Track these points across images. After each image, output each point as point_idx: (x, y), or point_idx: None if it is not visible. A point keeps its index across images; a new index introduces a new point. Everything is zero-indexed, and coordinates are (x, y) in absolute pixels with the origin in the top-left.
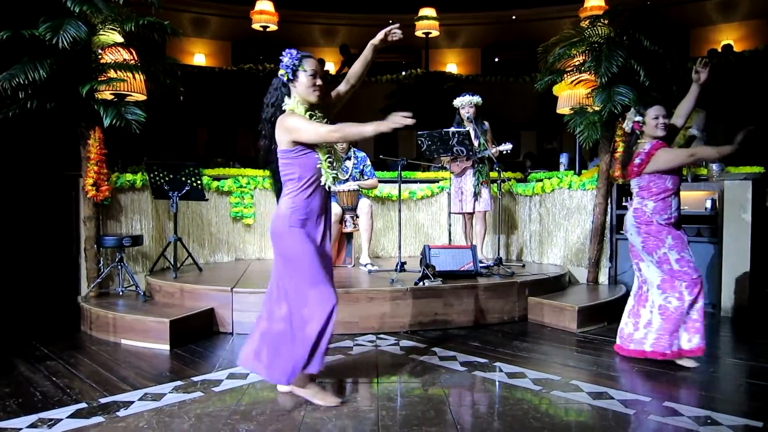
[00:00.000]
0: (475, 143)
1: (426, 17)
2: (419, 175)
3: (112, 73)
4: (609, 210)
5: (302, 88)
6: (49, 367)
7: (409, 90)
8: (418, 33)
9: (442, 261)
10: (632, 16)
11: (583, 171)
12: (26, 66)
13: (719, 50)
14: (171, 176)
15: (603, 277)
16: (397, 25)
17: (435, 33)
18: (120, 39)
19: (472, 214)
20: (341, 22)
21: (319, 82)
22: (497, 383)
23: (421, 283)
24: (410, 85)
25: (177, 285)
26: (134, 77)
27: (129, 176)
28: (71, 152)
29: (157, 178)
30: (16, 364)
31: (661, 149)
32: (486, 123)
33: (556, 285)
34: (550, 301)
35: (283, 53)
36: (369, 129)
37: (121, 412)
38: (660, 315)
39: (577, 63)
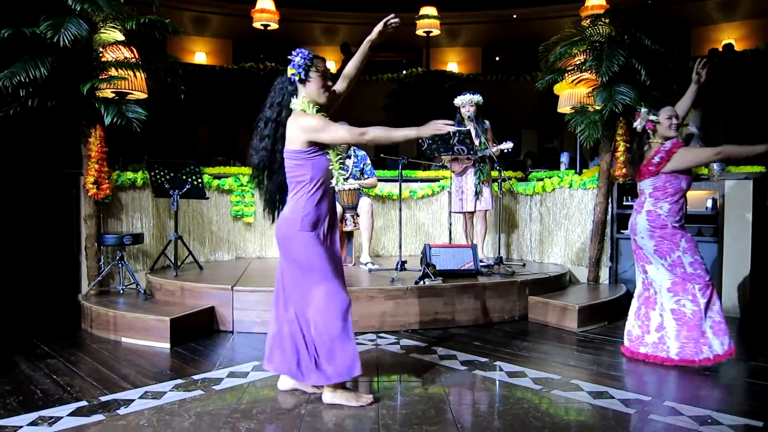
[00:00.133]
0: (476, 142)
1: (427, 16)
2: (420, 174)
3: (113, 72)
4: (610, 209)
5: (313, 89)
6: (49, 365)
7: (410, 89)
8: (419, 32)
9: (443, 260)
10: (633, 15)
11: (583, 170)
12: (27, 64)
13: (720, 49)
14: (172, 174)
15: (603, 277)
16: (393, 14)
17: (436, 32)
18: (121, 37)
19: (472, 213)
20: (342, 20)
21: (330, 83)
22: (497, 382)
23: (421, 282)
24: (411, 84)
25: (177, 283)
26: (135, 75)
27: (130, 174)
28: (72, 150)
29: (158, 177)
30: (16, 361)
31: (683, 148)
32: (486, 122)
33: (556, 284)
34: (551, 301)
35: (294, 52)
36: (399, 134)
37: (122, 410)
38: (675, 320)
39: (578, 62)
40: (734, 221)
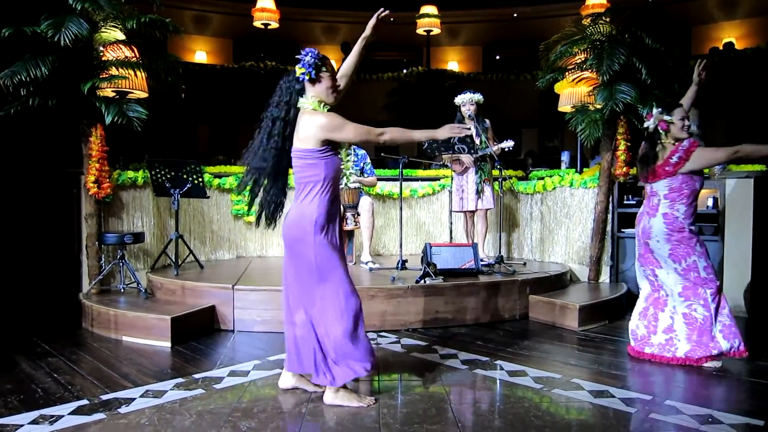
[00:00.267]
0: (477, 141)
1: (427, 15)
2: (420, 173)
3: (113, 71)
4: (610, 208)
5: (322, 88)
6: (50, 363)
7: (411, 88)
8: (420, 31)
9: (444, 259)
10: (634, 13)
11: (584, 169)
12: (28, 63)
13: (721, 48)
14: (172, 173)
15: (604, 276)
16: (382, 8)
17: (436, 31)
18: (122, 36)
19: (473, 212)
20: (342, 19)
21: (338, 83)
22: (498, 381)
23: (422, 281)
24: (411, 83)
25: (178, 282)
26: (136, 75)
27: (130, 173)
28: (73, 149)
29: (159, 176)
30: (17, 360)
31: (700, 148)
32: (487, 121)
33: (557, 283)
34: (552, 300)
35: (304, 51)
36: (417, 135)
37: (123, 409)
38: (686, 324)
39: (578, 61)
40: (735, 220)
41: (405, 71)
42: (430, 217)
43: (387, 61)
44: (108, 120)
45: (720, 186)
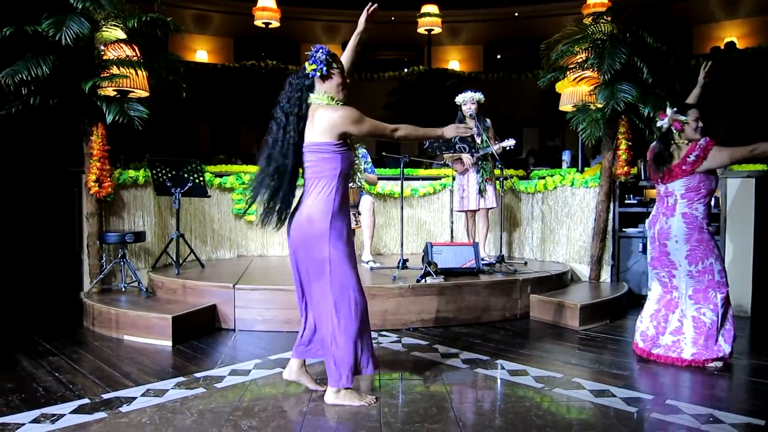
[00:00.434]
0: (478, 140)
1: (428, 14)
2: (421, 172)
3: (114, 70)
4: (612, 208)
5: (333, 85)
6: (51, 362)
7: (412, 87)
8: (421, 30)
9: (445, 258)
10: (635, 13)
11: (585, 168)
12: (29, 62)
13: (722, 47)
14: (173, 173)
15: (605, 275)
16: (370, 3)
17: (437, 30)
18: (123, 35)
19: (474, 211)
20: (343, 18)
21: (348, 80)
22: (499, 381)
23: (423, 281)
24: (413, 82)
25: (179, 281)
26: (137, 74)
27: (131, 173)
28: (74, 148)
29: (160, 175)
30: (18, 359)
31: (716, 147)
32: (488, 120)
33: (558, 283)
34: (553, 299)
35: (314, 48)
36: (426, 133)
37: (124, 408)
38: (694, 327)
39: (579, 60)
40: (737, 219)
41: (406, 70)
42: (431, 217)
43: (388, 60)
44: (109, 119)
45: (721, 186)
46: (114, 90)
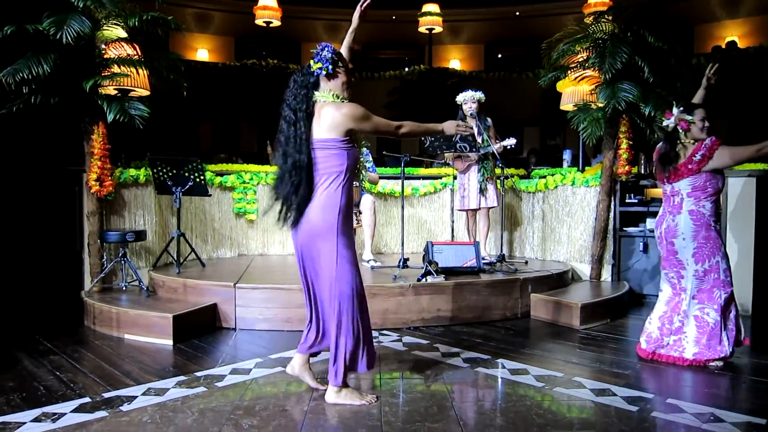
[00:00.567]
0: (479, 139)
1: (429, 13)
2: (422, 171)
3: (115, 69)
4: (612, 207)
5: (338, 83)
6: (52, 361)
7: (413, 86)
8: (422, 29)
9: (445, 257)
10: (636, 12)
11: (586, 168)
12: (30, 61)
13: (723, 46)
14: (174, 172)
15: (606, 274)
16: None
17: (438, 29)
18: (124, 34)
19: (475, 210)
20: (344, 17)
21: (352, 78)
22: (500, 380)
23: (423, 280)
24: (413, 81)
25: (180, 280)
26: (138, 72)
27: (132, 171)
28: (75, 147)
29: (161, 174)
30: (19, 358)
31: (722, 146)
32: (489, 119)
33: (559, 282)
34: (553, 298)
35: (320, 46)
36: (428, 128)
37: (125, 407)
38: (697, 327)
39: (580, 59)
40: (738, 218)
41: (407, 69)
42: (432, 216)
43: (389, 59)
44: (110, 118)
45: None
46: (115, 89)
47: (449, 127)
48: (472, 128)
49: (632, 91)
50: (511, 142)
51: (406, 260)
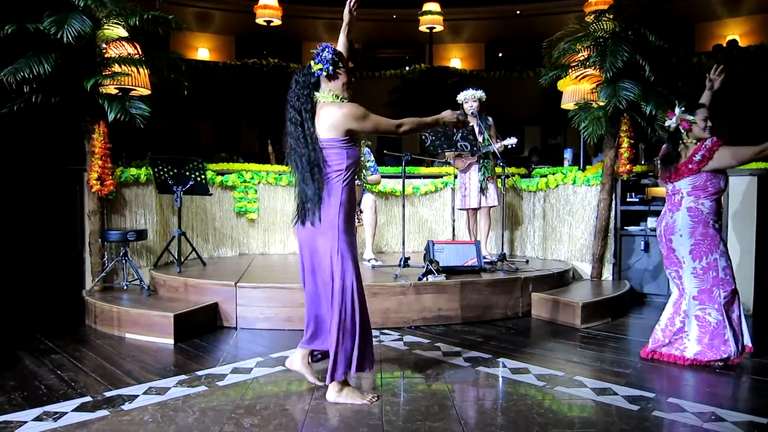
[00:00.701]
0: (479, 138)
1: (430, 12)
2: (423, 170)
3: (116, 68)
4: (613, 206)
5: (338, 84)
6: (53, 360)
7: (413, 85)
8: (422, 28)
9: (446, 256)
10: (637, 10)
11: (587, 166)
12: (31, 60)
13: (724, 45)
14: (175, 171)
15: (607, 273)
16: None
17: (439, 28)
18: (124, 33)
19: (476, 209)
20: None
21: (353, 78)
22: (501, 379)
23: (424, 279)
24: (414, 80)
25: (181, 279)
26: (138, 72)
27: (133, 171)
28: (76, 146)
29: (162, 173)
30: (21, 357)
31: (723, 146)
32: (490, 118)
33: (560, 281)
34: (554, 297)
35: (320, 47)
36: (427, 121)
37: (126, 406)
38: (698, 326)
39: (581, 58)
40: (739, 218)
41: (407, 68)
42: (433, 215)
43: (389, 58)
44: (111, 117)
45: None
46: (116, 88)
47: (448, 115)
48: (465, 115)
49: (633, 90)
50: (511, 141)
51: (407, 259)
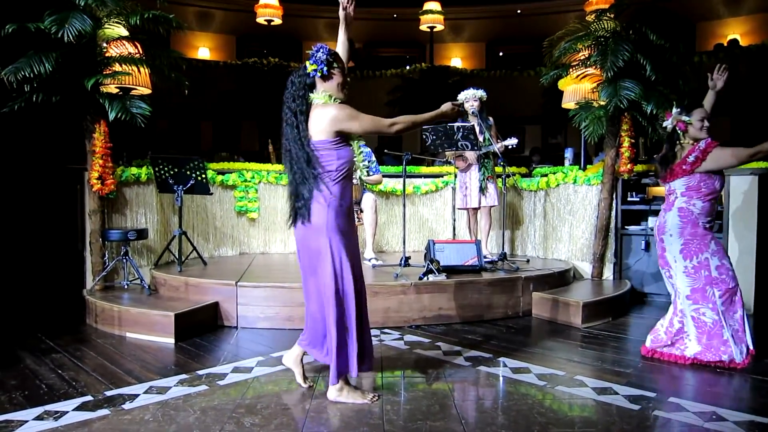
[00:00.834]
0: (480, 138)
1: (431, 11)
2: (423, 170)
3: (117, 67)
4: (614, 205)
5: (333, 85)
6: (54, 359)
7: (414, 84)
8: (423, 27)
9: (447, 256)
10: (638, 10)
11: (588, 166)
12: (32, 59)
13: (725, 44)
14: (176, 170)
15: (608, 273)
16: None
17: (440, 27)
18: (125, 32)
19: (477, 209)
20: None
21: (348, 79)
22: (501, 378)
23: (425, 278)
24: (415, 79)
25: (182, 279)
26: (139, 71)
27: (134, 170)
28: (76, 146)
29: (162, 172)
30: (22, 356)
31: (717, 148)
32: (490, 118)
33: (560, 280)
34: (555, 297)
35: (315, 48)
36: (423, 118)
37: (127, 405)
38: (696, 327)
39: (582, 57)
40: (739, 217)
41: (408, 68)
42: (433, 214)
43: (390, 57)
44: (111, 116)
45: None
46: (116, 87)
47: (448, 107)
48: (458, 101)
49: (634, 89)
50: (512, 142)
51: (407, 259)
